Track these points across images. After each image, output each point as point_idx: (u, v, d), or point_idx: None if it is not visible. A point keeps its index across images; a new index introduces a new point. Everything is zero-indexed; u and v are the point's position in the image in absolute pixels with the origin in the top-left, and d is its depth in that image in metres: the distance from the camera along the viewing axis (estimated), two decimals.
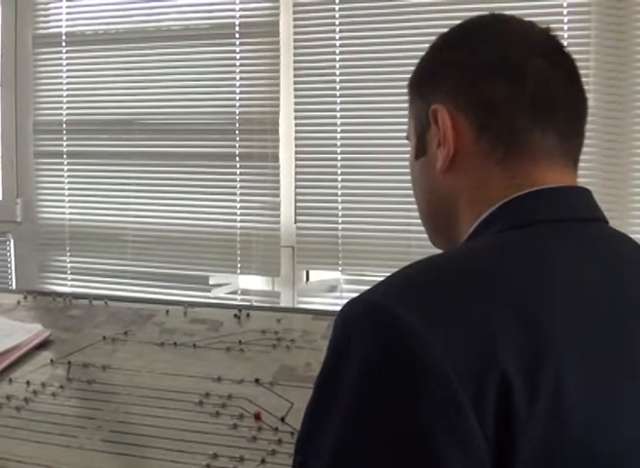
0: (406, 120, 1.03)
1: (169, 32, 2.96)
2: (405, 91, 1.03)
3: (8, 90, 3.27)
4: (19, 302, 2.11)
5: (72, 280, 3.18)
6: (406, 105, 1.02)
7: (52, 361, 1.77)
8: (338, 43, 2.70)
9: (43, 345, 1.84)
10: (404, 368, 0.69)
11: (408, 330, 0.70)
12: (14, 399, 1.61)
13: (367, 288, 0.77)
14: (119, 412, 1.52)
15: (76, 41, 3.11)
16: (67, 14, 3.13)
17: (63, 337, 1.88)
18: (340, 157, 2.72)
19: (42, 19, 3.17)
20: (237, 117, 2.85)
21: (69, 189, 3.16)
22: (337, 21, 2.70)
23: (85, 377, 1.67)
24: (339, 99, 2.71)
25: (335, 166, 2.73)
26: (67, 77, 3.13)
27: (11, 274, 3.33)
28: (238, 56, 2.85)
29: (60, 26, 3.13)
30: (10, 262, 3.34)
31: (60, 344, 1.85)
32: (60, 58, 3.14)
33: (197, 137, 2.93)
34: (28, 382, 1.67)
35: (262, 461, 1.33)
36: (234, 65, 2.85)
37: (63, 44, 3.13)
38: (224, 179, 2.89)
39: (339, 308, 0.77)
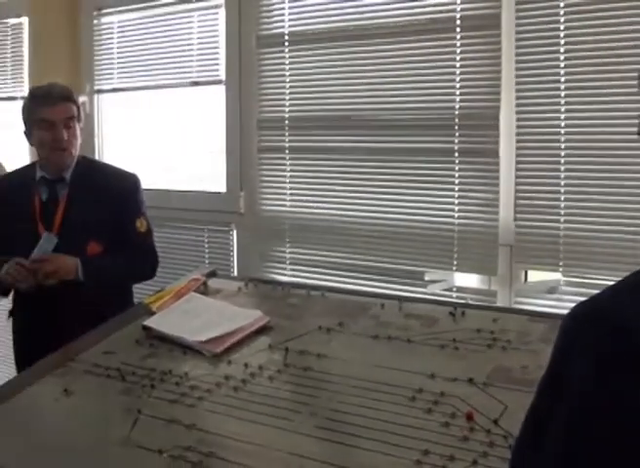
0: (636, 114, 0.97)
1: (388, 29, 2.97)
2: (635, 83, 0.97)
3: (232, 88, 3.44)
4: (239, 289, 2.22)
5: (291, 270, 3.29)
6: (637, 99, 0.96)
7: (270, 346, 1.84)
8: (562, 34, 2.58)
9: (262, 331, 1.92)
10: (631, 371, 0.66)
11: (635, 333, 0.67)
12: (232, 379, 1.69)
13: (589, 291, 0.74)
14: (333, 401, 1.55)
15: (297, 40, 3.21)
16: (290, 14, 3.23)
17: (282, 324, 1.95)
18: (563, 153, 2.60)
19: (265, 19, 3.30)
20: (457, 112, 2.82)
21: (290, 182, 3.26)
22: (561, 11, 2.58)
23: (301, 364, 1.71)
24: (563, 93, 2.59)
25: (558, 162, 2.61)
26: (290, 75, 3.24)
27: (233, 262, 3.50)
28: (458, 50, 2.81)
29: (283, 26, 3.25)
30: (232, 251, 3.50)
31: (279, 331, 1.92)
32: (283, 58, 3.26)
33: (416, 133, 2.92)
34: (246, 365, 1.74)
35: (474, 462, 1.31)
36: (454, 60, 2.82)
37: (286, 44, 3.24)
38: (443, 175, 2.86)
39: (557, 311, 0.75)
